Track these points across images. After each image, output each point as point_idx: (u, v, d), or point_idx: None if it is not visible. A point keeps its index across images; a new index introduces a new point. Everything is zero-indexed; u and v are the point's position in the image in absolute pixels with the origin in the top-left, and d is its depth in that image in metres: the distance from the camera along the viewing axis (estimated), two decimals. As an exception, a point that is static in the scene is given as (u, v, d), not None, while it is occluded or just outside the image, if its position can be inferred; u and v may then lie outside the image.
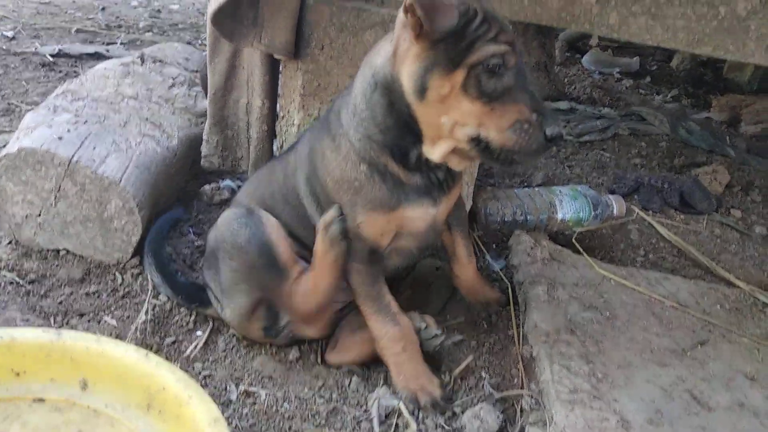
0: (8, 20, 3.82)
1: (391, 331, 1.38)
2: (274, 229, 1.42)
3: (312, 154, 1.45)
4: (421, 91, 1.19)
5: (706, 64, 4.97)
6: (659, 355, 1.54)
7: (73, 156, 1.60)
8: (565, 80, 4.33)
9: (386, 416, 1.35)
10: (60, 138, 1.63)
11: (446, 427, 1.35)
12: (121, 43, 3.72)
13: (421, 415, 1.35)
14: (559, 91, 3.58)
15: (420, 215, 1.36)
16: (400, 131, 1.28)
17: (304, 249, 1.50)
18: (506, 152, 1.17)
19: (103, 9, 4.35)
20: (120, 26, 4.10)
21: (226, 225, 1.48)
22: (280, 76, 1.97)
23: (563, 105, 3.38)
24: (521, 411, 1.41)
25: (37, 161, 1.59)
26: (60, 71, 3.10)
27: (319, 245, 1.38)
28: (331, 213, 1.37)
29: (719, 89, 4.43)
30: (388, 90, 1.26)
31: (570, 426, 1.27)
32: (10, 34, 3.51)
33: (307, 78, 1.79)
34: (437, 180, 1.38)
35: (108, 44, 3.68)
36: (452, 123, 1.20)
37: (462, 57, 1.16)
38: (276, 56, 1.83)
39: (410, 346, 1.40)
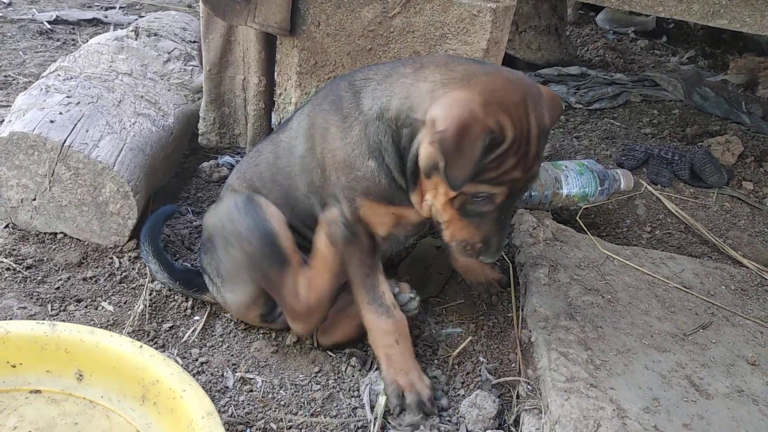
0: (5, -16, 3.73)
1: (384, 323, 1.36)
2: (275, 218, 1.39)
3: (312, 129, 1.39)
4: (427, 173, 1.23)
5: (725, 22, 4.78)
6: (659, 340, 1.53)
7: (65, 140, 1.57)
8: (578, 41, 4.19)
9: (385, 405, 1.34)
10: (52, 121, 1.60)
11: (444, 416, 1.35)
12: (120, 7, 3.64)
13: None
14: (570, 55, 3.47)
15: (414, 213, 1.34)
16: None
17: (292, 231, 1.48)
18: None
19: (102, -30, 4.24)
20: (119, -12, 4.00)
21: (226, 213, 1.44)
22: (276, 52, 1.92)
23: (574, 70, 3.28)
24: (518, 397, 1.41)
25: (30, 146, 1.57)
26: (57, 39, 3.05)
27: (320, 243, 1.37)
28: (334, 212, 1.35)
29: (738, 48, 4.28)
30: (409, 142, 1.25)
31: (565, 416, 1.27)
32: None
33: (303, 56, 1.74)
34: None
35: (106, 9, 3.60)
36: (430, 204, 1.28)
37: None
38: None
39: (403, 339, 1.38)
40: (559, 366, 1.39)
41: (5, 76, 2.55)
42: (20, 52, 2.81)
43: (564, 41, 3.45)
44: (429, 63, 1.27)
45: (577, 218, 2.04)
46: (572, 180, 2.11)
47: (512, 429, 1.33)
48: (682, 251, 2.03)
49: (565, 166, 2.15)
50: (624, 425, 1.27)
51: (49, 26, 3.14)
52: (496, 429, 1.33)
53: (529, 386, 1.41)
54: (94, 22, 3.31)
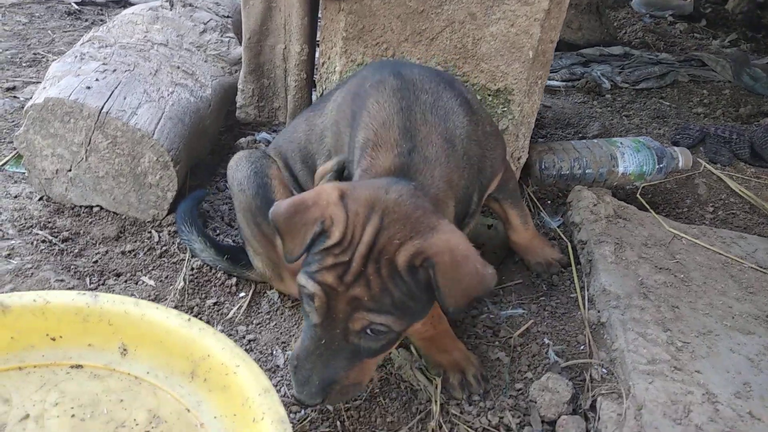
0: (32, -32, 3.68)
1: None
2: (276, 176, 1.33)
3: (336, 128, 1.32)
4: None
5: (764, 7, 4.61)
6: (741, 322, 1.40)
7: (103, 107, 1.49)
8: (615, 24, 4.05)
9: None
10: (89, 87, 1.52)
11: (513, 401, 1.25)
12: (148, -9, 3.57)
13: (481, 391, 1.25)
14: (611, 35, 3.33)
15: None
16: None
17: None
18: None
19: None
20: (146, -27, 3.94)
21: (236, 160, 1.41)
22: (319, 18, 1.82)
23: (616, 50, 3.14)
24: (591, 381, 1.29)
25: (66, 113, 1.49)
26: (86, 20, 2.98)
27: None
28: (330, 163, 1.26)
29: (779, 32, 4.11)
30: None
31: (651, 400, 1.15)
32: (34, -18, 3.39)
33: (350, 20, 1.63)
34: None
35: (134, -9, 3.53)
36: None
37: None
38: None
39: (440, 320, 1.29)
40: (638, 347, 1.28)
41: (34, 54, 2.48)
42: (49, 32, 2.74)
43: (605, 21, 3.32)
44: (387, 140, 1.13)
45: (638, 195, 1.91)
46: (629, 157, 1.99)
47: (588, 414, 1.22)
48: (749, 232, 1.90)
49: (621, 143, 2.03)
50: (716, 411, 1.15)
51: (77, 7, 3.07)
52: (571, 414, 1.21)
53: (603, 369, 1.30)
54: (122, 3, 3.25)
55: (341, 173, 1.26)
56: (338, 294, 0.97)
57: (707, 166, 2.16)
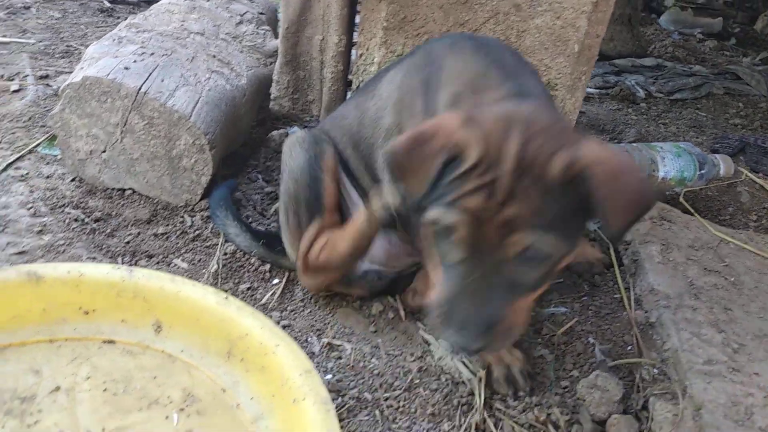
0: (65, -32, 3.73)
1: None
2: (330, 170, 1.31)
3: (401, 105, 1.25)
4: None
5: (794, 28, 4.57)
6: (798, 327, 1.33)
7: (141, 87, 1.46)
8: (645, 38, 4.02)
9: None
10: (126, 68, 1.50)
11: (560, 398, 1.18)
12: (178, -6, 3.59)
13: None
14: (642, 48, 3.29)
15: None
16: None
17: (363, 195, 1.36)
18: None
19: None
20: (176, -22, 3.97)
21: (290, 144, 1.38)
22: (359, 8, 1.80)
23: (649, 61, 3.10)
24: (642, 380, 1.23)
25: (103, 92, 1.47)
26: (118, 17, 3.00)
27: (361, 215, 1.26)
28: (385, 199, 1.23)
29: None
30: None
31: (710, 400, 1.09)
32: (67, -19, 3.42)
33: (391, 9, 1.61)
34: None
35: (165, -5, 3.56)
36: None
37: (425, 208, 0.94)
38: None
39: None
40: (693, 347, 1.21)
41: (67, 46, 2.49)
42: (82, 26, 2.75)
43: (636, 33, 3.28)
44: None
45: (681, 200, 1.85)
46: (669, 162, 1.93)
47: (640, 414, 1.15)
48: (796, 241, 1.83)
49: (661, 147, 1.97)
50: (780, 415, 1.08)
51: (109, 5, 3.09)
52: (622, 414, 1.15)
53: (655, 369, 1.23)
54: (155, 2, 3.26)
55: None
56: (487, 218, 0.87)
57: (749, 174, 2.10)
